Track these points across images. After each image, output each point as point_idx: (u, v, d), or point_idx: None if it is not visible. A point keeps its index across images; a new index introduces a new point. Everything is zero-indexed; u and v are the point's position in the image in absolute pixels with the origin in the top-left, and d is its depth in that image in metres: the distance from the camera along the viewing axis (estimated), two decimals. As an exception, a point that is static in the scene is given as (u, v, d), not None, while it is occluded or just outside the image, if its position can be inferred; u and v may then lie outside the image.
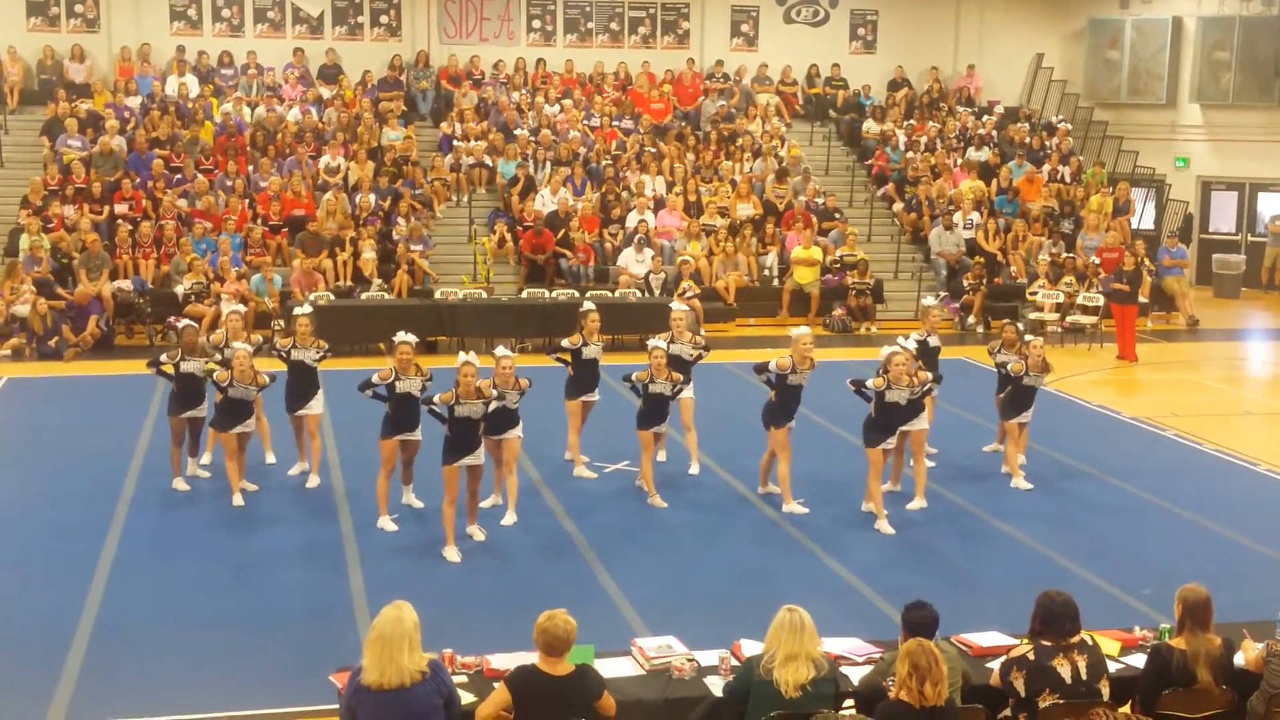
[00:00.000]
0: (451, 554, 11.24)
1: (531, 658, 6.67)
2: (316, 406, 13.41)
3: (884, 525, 12.18)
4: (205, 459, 13.64)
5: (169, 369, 13.10)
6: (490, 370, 11.87)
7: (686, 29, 29.57)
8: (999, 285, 24.24)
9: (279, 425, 13.84)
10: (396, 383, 11.81)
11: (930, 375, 12.82)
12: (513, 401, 11.87)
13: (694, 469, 13.97)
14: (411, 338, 12.04)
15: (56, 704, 8.51)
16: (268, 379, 12.93)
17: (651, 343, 13.23)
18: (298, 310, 13.81)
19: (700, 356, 13.99)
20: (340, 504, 12.78)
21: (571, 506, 12.80)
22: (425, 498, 12.49)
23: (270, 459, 13.97)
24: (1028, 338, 14.21)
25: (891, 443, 12.46)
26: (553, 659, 6.56)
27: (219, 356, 13.22)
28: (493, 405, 11.44)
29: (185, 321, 13.85)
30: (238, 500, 12.62)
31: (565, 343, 13.88)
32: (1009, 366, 13.84)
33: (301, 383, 13.32)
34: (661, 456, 13.79)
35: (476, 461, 11.45)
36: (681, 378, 13.18)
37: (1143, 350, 21.09)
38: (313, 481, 13.32)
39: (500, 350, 12.11)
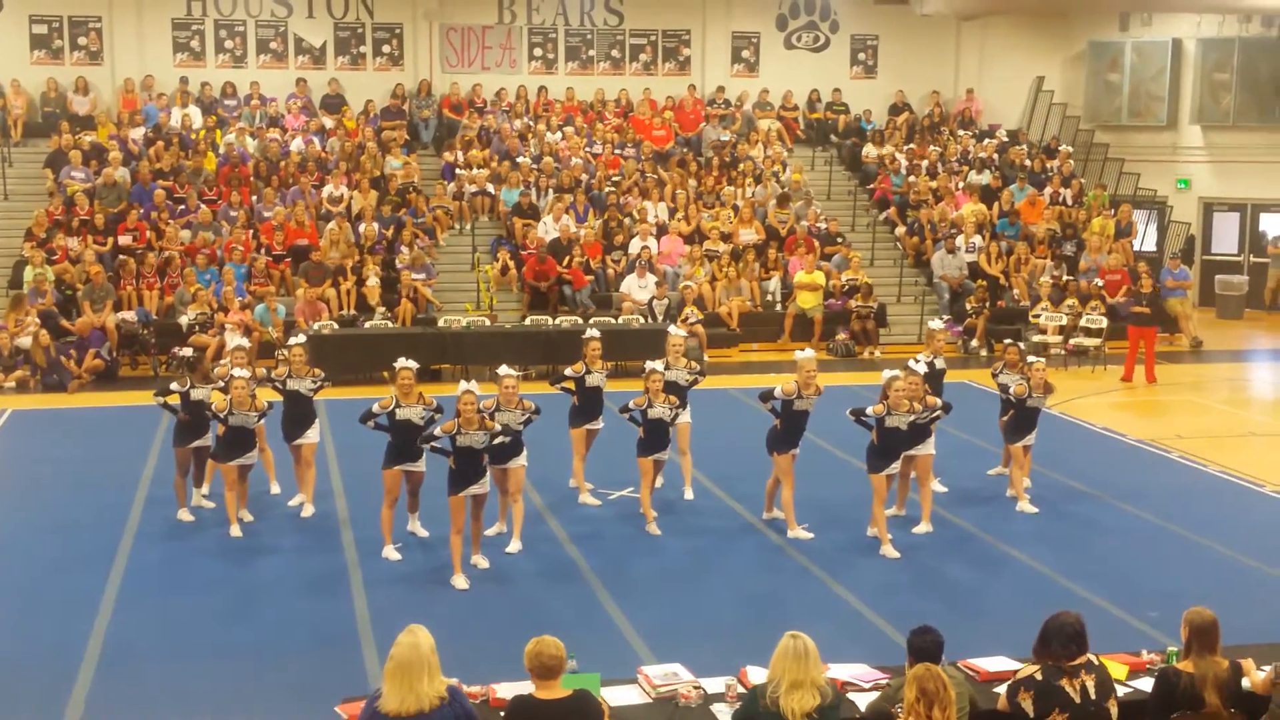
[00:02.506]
0: (460, 582, 11.22)
1: (532, 687, 6.64)
2: (312, 435, 13.42)
3: (889, 550, 12.16)
4: (205, 489, 13.62)
5: (175, 399, 13.11)
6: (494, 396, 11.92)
7: (688, 56, 29.68)
8: (1002, 308, 24.27)
9: (283, 456, 13.84)
10: (397, 410, 11.81)
11: (939, 401, 12.80)
12: (516, 421, 11.85)
13: (688, 494, 13.96)
14: (412, 364, 12.05)
15: (62, 737, 8.52)
16: (266, 405, 12.95)
17: (649, 365, 13.21)
18: (292, 340, 13.84)
19: (695, 382, 14.00)
20: (344, 533, 12.77)
21: (576, 534, 12.78)
22: (430, 527, 12.47)
23: (275, 489, 13.96)
24: (1030, 359, 14.19)
25: (895, 468, 12.46)
26: (546, 683, 6.53)
27: (220, 384, 13.25)
28: (496, 440, 11.44)
29: (188, 351, 13.82)
30: (235, 532, 12.60)
31: (569, 371, 13.89)
32: (1012, 390, 13.81)
33: (297, 412, 13.33)
34: (659, 483, 13.78)
35: (482, 490, 11.42)
36: (678, 401, 13.19)
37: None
38: (307, 511, 13.31)
39: (503, 370, 12.14)
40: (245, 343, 14.09)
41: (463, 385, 11.25)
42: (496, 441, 11.45)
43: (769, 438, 12.75)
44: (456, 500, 11.23)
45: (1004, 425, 14.15)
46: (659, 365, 13.27)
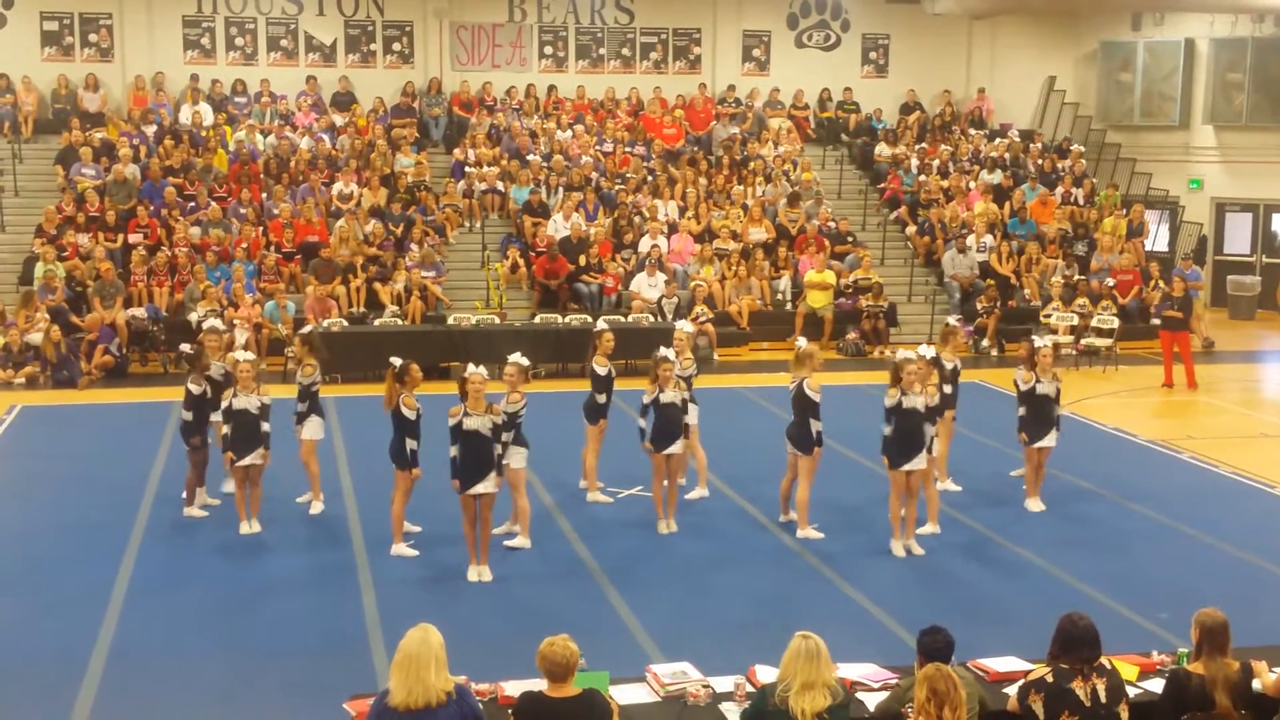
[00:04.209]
0: (473, 574, 11.24)
1: (544, 685, 6.63)
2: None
3: (898, 546, 12.11)
4: (228, 487, 13.51)
5: (200, 384, 13.07)
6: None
7: (698, 54, 29.65)
8: (1013, 308, 24.20)
9: (287, 454, 13.78)
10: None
11: (939, 379, 12.71)
12: (513, 405, 11.72)
13: (693, 493, 13.83)
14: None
15: (70, 733, 8.51)
16: (269, 398, 12.77)
17: (660, 352, 12.91)
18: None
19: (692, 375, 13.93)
20: (353, 531, 12.76)
21: (585, 532, 12.76)
22: (436, 524, 12.44)
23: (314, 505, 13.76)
24: (1035, 341, 13.79)
25: (917, 463, 12.07)
26: (557, 684, 6.53)
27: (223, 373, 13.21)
28: (502, 433, 11.37)
29: (209, 323, 13.78)
30: (244, 529, 12.60)
31: (597, 368, 13.70)
32: (1019, 379, 13.58)
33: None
34: (682, 480, 13.61)
35: (489, 489, 11.25)
36: (687, 388, 13.09)
37: (1158, 373, 20.89)
38: (316, 508, 13.22)
39: (513, 357, 12.06)
40: (251, 356, 13.35)
41: (471, 368, 11.19)
42: (504, 438, 11.38)
43: (799, 437, 12.52)
44: (465, 495, 11.20)
45: (1023, 422, 13.72)
46: (670, 353, 13.08)
